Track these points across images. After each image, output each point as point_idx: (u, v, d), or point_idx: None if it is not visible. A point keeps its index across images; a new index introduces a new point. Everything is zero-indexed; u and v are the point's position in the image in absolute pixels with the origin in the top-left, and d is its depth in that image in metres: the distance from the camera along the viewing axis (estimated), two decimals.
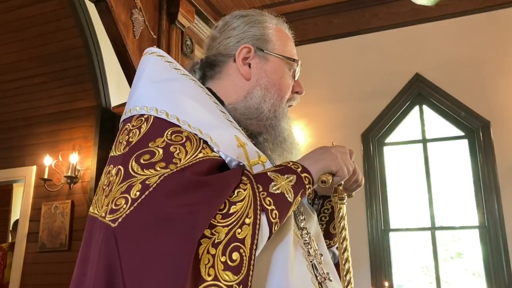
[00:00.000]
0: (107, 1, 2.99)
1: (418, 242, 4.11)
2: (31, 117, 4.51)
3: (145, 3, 3.45)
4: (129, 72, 3.21)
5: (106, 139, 4.07)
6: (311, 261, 0.95)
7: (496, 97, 3.87)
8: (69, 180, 4.08)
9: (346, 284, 0.92)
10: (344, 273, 0.93)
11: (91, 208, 0.85)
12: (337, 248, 1.09)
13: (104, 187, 0.85)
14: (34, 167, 4.39)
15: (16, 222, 4.61)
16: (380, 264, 3.88)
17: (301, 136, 4.27)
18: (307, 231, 1.01)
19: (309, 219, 1.08)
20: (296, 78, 1.13)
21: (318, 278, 0.94)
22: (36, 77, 4.33)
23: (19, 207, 4.52)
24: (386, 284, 3.69)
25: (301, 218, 1.02)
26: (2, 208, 6.16)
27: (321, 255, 1.01)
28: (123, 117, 0.97)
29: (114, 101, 4.20)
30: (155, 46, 1.10)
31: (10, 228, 4.72)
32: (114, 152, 0.89)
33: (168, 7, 3.67)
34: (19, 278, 4.09)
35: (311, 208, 1.16)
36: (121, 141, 0.90)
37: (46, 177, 4.14)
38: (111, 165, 0.87)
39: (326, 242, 1.11)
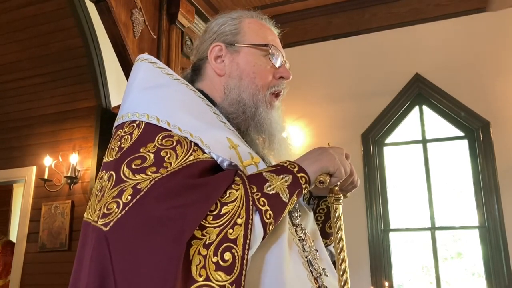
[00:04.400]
0: (107, 1, 2.99)
1: (418, 242, 4.11)
2: (31, 117, 4.51)
3: (145, 3, 3.45)
4: (129, 72, 3.19)
5: (106, 139, 4.03)
6: (306, 257, 0.95)
7: (496, 97, 3.87)
8: (69, 181, 4.08)
9: (342, 284, 0.92)
10: (341, 273, 0.93)
11: (85, 213, 0.86)
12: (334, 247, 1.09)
13: (97, 192, 0.86)
14: (34, 168, 4.38)
15: None
16: (380, 264, 3.88)
17: (301, 136, 4.27)
18: (302, 228, 1.01)
19: (305, 216, 1.08)
20: (279, 63, 1.11)
21: (313, 273, 0.94)
22: (36, 77, 4.32)
23: (19, 207, 4.52)
24: (386, 284, 3.69)
25: (296, 215, 1.03)
26: (2, 208, 6.16)
27: (317, 250, 1.01)
28: (116, 123, 0.99)
29: (114, 101, 4.19)
30: (146, 54, 1.10)
31: None
32: (106, 158, 0.91)
33: (168, 7, 3.67)
34: (19, 278, 4.09)
35: (307, 206, 1.16)
36: (113, 147, 0.92)
37: (46, 177, 4.14)
38: (104, 171, 0.88)
39: (322, 241, 1.12)
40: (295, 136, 4.23)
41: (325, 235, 1.18)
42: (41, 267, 4.03)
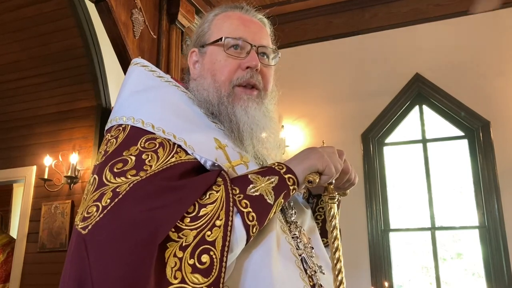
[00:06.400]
0: (107, 1, 2.99)
1: (418, 242, 4.11)
2: (31, 117, 4.51)
3: (145, 3, 3.44)
4: None
5: None
6: (300, 255, 0.94)
7: (496, 97, 3.87)
8: (69, 180, 4.08)
9: (338, 284, 0.91)
10: (336, 273, 0.92)
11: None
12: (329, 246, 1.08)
13: (84, 196, 0.87)
14: (34, 167, 4.38)
15: None
16: (380, 264, 3.88)
17: (301, 136, 4.27)
18: (296, 225, 1.00)
19: (301, 214, 1.07)
20: (246, 53, 1.04)
21: (307, 272, 0.93)
22: (36, 77, 4.32)
23: (19, 207, 4.51)
24: (386, 284, 3.69)
25: (291, 212, 1.02)
26: (2, 208, 6.14)
27: (312, 248, 1.00)
28: (106, 127, 1.00)
29: (114, 101, 4.19)
30: (139, 58, 1.11)
31: None
32: (96, 162, 0.92)
33: (168, 7, 3.67)
34: (19, 278, 4.08)
35: (305, 204, 1.15)
36: (100, 151, 0.93)
37: (46, 177, 4.14)
38: (91, 175, 0.89)
39: (323, 240, 1.11)
40: (295, 136, 4.23)
41: (326, 234, 1.16)
42: (41, 267, 4.02)
